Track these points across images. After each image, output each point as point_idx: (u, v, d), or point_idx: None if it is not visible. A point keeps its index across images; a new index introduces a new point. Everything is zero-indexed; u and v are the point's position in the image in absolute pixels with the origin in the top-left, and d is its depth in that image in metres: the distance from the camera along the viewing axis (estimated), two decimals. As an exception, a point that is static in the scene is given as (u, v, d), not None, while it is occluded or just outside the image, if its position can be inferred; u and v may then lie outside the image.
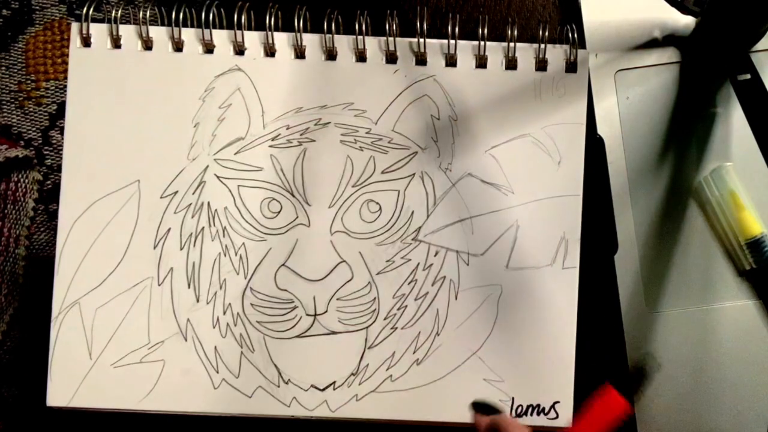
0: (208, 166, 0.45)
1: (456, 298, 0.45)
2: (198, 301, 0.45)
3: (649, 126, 0.49)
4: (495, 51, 0.45)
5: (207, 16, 0.45)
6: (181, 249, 0.45)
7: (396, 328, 0.45)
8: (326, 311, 0.45)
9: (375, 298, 0.45)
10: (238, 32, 0.45)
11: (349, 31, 0.46)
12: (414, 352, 0.45)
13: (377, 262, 0.45)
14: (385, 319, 0.45)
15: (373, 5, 0.47)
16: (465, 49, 0.45)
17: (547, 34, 0.45)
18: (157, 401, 0.45)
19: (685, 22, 0.49)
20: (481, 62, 0.45)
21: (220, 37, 0.46)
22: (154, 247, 0.45)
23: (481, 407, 0.42)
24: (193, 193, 0.45)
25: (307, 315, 0.45)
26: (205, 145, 0.45)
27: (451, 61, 0.45)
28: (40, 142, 0.54)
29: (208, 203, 0.45)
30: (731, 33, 0.47)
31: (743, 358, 0.48)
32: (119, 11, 0.45)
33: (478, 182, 0.45)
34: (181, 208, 0.45)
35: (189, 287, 0.45)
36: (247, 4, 0.46)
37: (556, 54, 0.45)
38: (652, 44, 0.49)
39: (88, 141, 0.45)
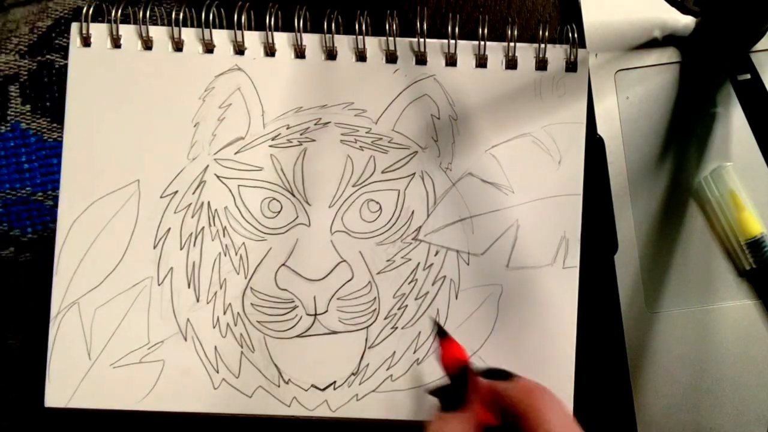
0: (208, 166, 0.45)
1: (456, 298, 0.45)
2: (198, 300, 0.45)
3: (649, 126, 0.49)
4: (495, 51, 0.45)
5: (207, 16, 0.45)
6: (181, 249, 0.45)
7: (396, 327, 0.45)
8: (326, 311, 0.45)
9: (375, 298, 0.45)
10: (238, 32, 0.45)
11: (349, 31, 0.46)
12: (414, 352, 0.45)
13: (377, 261, 0.45)
14: (385, 318, 0.45)
15: (373, 5, 0.47)
16: (465, 49, 0.45)
17: (547, 33, 0.45)
18: (156, 401, 0.45)
19: (685, 22, 0.49)
20: (481, 62, 0.45)
21: (220, 37, 0.46)
22: (154, 247, 0.45)
23: (490, 374, 0.40)
24: (193, 193, 0.45)
25: (308, 315, 0.45)
26: (205, 145, 0.45)
27: (451, 61, 0.45)
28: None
29: (208, 203, 0.45)
30: (731, 33, 0.47)
31: (743, 358, 0.48)
32: (119, 11, 0.45)
33: (478, 182, 0.45)
34: (181, 208, 0.45)
35: (189, 287, 0.45)
36: (247, 4, 0.46)
37: (556, 54, 0.45)
38: (652, 44, 0.49)
39: (87, 141, 0.45)
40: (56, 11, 0.52)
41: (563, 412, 0.37)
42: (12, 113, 0.51)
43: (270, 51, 0.46)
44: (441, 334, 0.43)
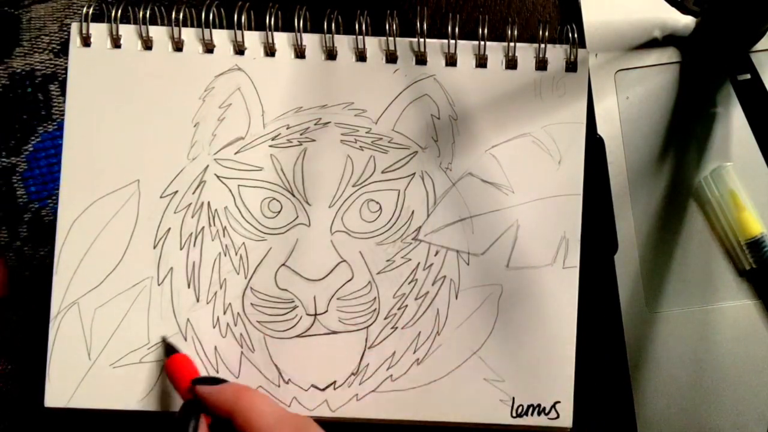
0: (208, 166, 0.45)
1: (456, 298, 0.45)
2: (198, 300, 0.45)
3: (649, 126, 0.49)
4: (495, 50, 0.45)
5: (207, 16, 0.45)
6: (181, 249, 0.45)
7: (396, 327, 0.45)
8: (326, 311, 0.45)
9: (375, 298, 0.45)
10: (238, 32, 0.45)
11: (349, 31, 0.46)
12: (414, 352, 0.45)
13: (377, 261, 0.45)
14: (385, 318, 0.45)
15: (373, 5, 0.47)
16: (465, 49, 0.45)
17: (547, 33, 0.45)
18: (156, 401, 0.45)
19: (685, 22, 0.49)
20: (482, 62, 0.45)
21: (220, 37, 0.46)
22: (154, 247, 0.45)
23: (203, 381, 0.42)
24: (193, 193, 0.45)
25: (308, 315, 0.45)
26: (205, 145, 0.45)
27: (451, 61, 0.45)
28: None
29: (208, 203, 0.45)
30: (731, 33, 0.47)
31: (743, 358, 0.48)
32: (119, 11, 0.45)
33: (478, 182, 0.45)
34: (181, 208, 0.45)
35: (189, 287, 0.45)
36: (247, 4, 0.46)
37: (556, 54, 0.45)
38: (652, 44, 0.49)
39: (87, 141, 0.45)
40: (82, 6, 0.52)
41: (271, 404, 0.39)
42: (56, 112, 0.52)
43: (270, 51, 0.46)
44: (169, 351, 0.44)
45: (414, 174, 0.45)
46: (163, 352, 0.45)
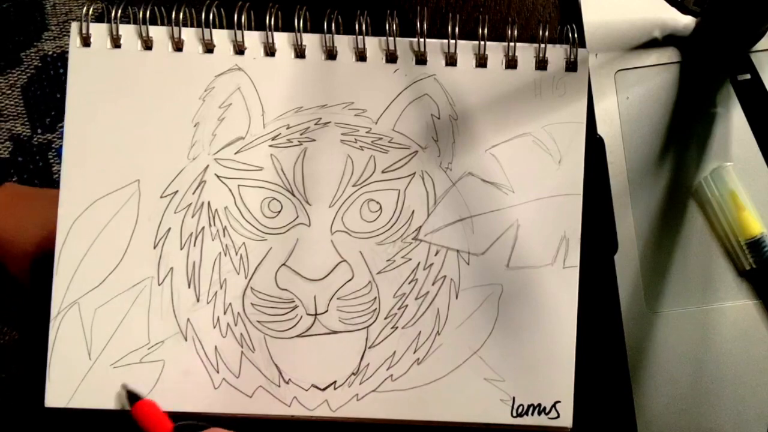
0: (208, 166, 0.45)
1: (456, 298, 0.45)
2: (198, 300, 0.45)
3: (649, 126, 0.49)
4: (495, 50, 0.45)
5: (207, 15, 0.45)
6: (182, 249, 0.45)
7: (396, 327, 0.45)
8: (327, 311, 0.45)
9: (375, 298, 0.45)
10: (238, 32, 0.45)
11: (349, 31, 0.46)
12: (414, 352, 0.45)
13: (378, 261, 0.45)
14: (385, 318, 0.45)
15: (373, 5, 0.47)
16: (465, 49, 0.45)
17: (547, 33, 0.45)
18: (157, 401, 0.45)
19: (685, 22, 0.49)
20: (482, 61, 0.45)
21: (220, 37, 0.46)
22: (154, 247, 0.45)
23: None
24: (193, 193, 0.45)
25: (308, 314, 0.45)
26: (206, 145, 0.45)
27: (451, 61, 0.45)
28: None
29: (209, 203, 0.45)
30: (731, 33, 0.47)
31: (743, 358, 0.48)
32: (119, 11, 0.45)
33: (478, 181, 0.45)
34: (181, 208, 0.45)
35: (189, 287, 0.45)
36: (247, 4, 0.46)
37: (556, 53, 0.45)
38: (652, 44, 0.49)
39: (88, 141, 0.45)
40: None
41: None
42: None
43: (270, 51, 0.46)
44: (132, 398, 0.44)
45: (414, 174, 0.45)
46: (126, 400, 0.44)
